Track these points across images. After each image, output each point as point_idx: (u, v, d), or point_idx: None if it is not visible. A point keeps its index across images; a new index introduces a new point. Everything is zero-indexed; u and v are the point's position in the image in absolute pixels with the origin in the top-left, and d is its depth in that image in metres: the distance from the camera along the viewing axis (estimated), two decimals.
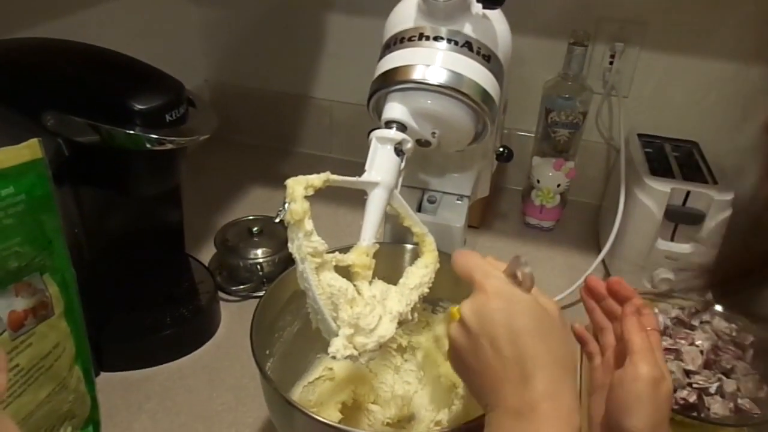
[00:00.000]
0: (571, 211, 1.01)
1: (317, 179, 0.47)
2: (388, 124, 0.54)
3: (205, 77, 1.18)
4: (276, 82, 1.15)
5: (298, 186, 0.46)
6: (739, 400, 0.60)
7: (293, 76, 1.14)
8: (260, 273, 0.82)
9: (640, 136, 0.93)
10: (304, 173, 0.48)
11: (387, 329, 0.47)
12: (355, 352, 0.46)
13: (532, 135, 0.99)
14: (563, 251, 0.94)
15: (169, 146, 0.61)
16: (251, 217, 0.88)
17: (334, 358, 0.47)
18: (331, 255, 0.48)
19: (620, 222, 0.83)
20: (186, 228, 0.79)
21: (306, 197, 0.47)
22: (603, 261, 0.89)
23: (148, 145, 0.60)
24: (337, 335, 0.47)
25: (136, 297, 0.74)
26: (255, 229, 0.84)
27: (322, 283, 0.47)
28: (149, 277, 0.76)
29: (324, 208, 0.94)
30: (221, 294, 0.80)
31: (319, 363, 0.65)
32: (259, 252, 0.82)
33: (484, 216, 0.98)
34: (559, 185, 0.94)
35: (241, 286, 0.81)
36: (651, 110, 0.97)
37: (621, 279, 0.49)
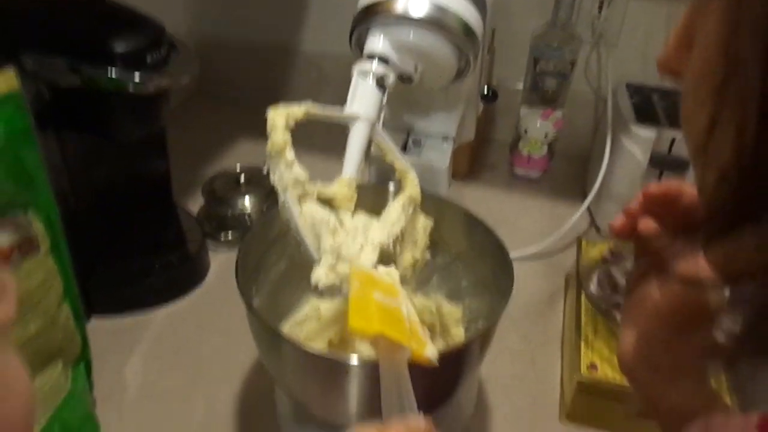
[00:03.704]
0: (558, 162, 1.01)
1: (298, 109, 0.47)
2: (370, 58, 0.54)
3: (187, 28, 1.16)
4: (262, 33, 1.13)
5: (279, 116, 0.46)
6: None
7: (281, 27, 1.12)
8: (248, 223, 0.82)
9: (627, 85, 0.93)
10: None
11: (369, 258, 0.48)
12: (337, 281, 0.47)
13: (521, 86, 0.98)
14: (549, 200, 0.95)
15: (152, 88, 0.61)
16: (238, 168, 0.88)
17: (316, 288, 0.47)
18: (313, 186, 0.49)
19: (606, 169, 0.83)
20: (174, 180, 0.79)
21: (287, 128, 0.47)
22: (588, 209, 0.89)
23: (130, 88, 0.59)
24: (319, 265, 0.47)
25: (124, 245, 0.74)
26: (242, 179, 0.84)
27: (304, 213, 0.47)
28: (136, 226, 0.76)
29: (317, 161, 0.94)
30: (209, 242, 0.81)
31: (306, 303, 0.66)
32: (247, 202, 0.82)
33: (471, 167, 0.99)
34: (546, 135, 0.94)
35: (229, 233, 0.81)
36: (639, 59, 0.97)
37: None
